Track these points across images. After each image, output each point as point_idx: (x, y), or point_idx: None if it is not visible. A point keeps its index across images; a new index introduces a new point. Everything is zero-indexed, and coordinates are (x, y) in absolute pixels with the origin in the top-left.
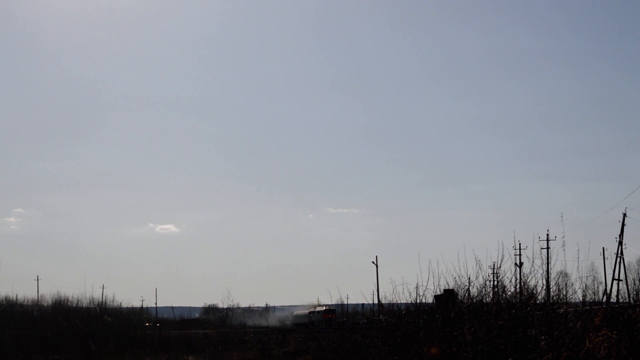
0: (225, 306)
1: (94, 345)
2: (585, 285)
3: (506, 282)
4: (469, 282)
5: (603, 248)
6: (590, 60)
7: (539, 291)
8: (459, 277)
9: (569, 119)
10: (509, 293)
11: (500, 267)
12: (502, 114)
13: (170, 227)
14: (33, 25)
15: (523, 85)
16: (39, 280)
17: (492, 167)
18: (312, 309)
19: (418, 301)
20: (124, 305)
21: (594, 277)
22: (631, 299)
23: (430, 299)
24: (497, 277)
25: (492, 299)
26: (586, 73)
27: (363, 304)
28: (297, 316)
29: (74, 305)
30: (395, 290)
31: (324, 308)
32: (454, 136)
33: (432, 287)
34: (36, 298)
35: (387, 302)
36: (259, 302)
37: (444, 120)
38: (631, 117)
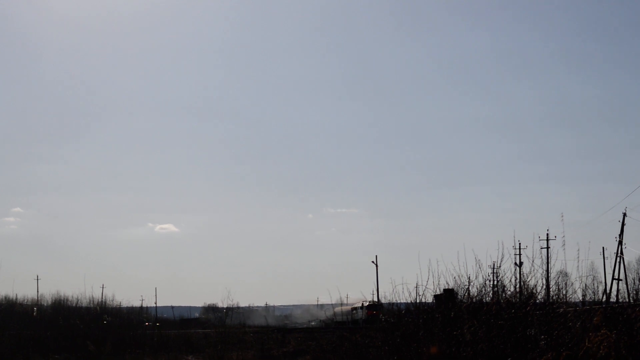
0: (225, 306)
1: (94, 344)
2: (585, 284)
3: (506, 282)
4: (468, 282)
5: (603, 248)
6: (592, 62)
7: (538, 291)
8: (458, 276)
9: (570, 119)
10: (509, 293)
11: (500, 266)
12: (502, 115)
13: (170, 227)
14: (33, 29)
15: (526, 87)
16: (39, 280)
17: (492, 167)
18: (354, 305)
19: (418, 301)
20: (124, 304)
21: (594, 276)
22: (631, 298)
23: (430, 299)
24: (496, 277)
25: (492, 299)
26: (588, 74)
27: (363, 304)
28: (338, 314)
29: (74, 304)
30: (395, 290)
31: (367, 303)
32: (454, 137)
33: (431, 287)
34: (36, 298)
35: (387, 301)
36: (259, 302)
37: (445, 121)
38: (631, 118)
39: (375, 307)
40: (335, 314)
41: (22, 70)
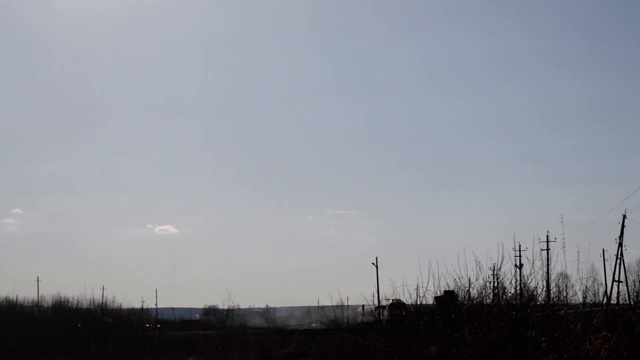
0: (225, 307)
1: (95, 346)
2: (586, 286)
3: (506, 284)
4: (469, 284)
5: (603, 250)
6: (590, 62)
7: (539, 293)
8: (459, 278)
9: (569, 121)
10: (509, 294)
11: (500, 268)
12: (502, 116)
13: (170, 229)
14: (34, 27)
15: (523, 87)
16: (39, 281)
17: (491, 169)
18: (376, 305)
19: (418, 302)
20: (124, 306)
21: (594, 278)
22: (631, 300)
23: (430, 301)
24: (497, 279)
25: (493, 301)
26: (586, 75)
27: (363, 306)
28: (361, 314)
29: (74, 306)
30: (395, 292)
31: (390, 302)
32: (454, 138)
33: (432, 289)
34: (36, 299)
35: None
36: (259, 304)
37: (444, 122)
38: (630, 119)
39: (398, 306)
40: (358, 314)
41: (22, 69)
